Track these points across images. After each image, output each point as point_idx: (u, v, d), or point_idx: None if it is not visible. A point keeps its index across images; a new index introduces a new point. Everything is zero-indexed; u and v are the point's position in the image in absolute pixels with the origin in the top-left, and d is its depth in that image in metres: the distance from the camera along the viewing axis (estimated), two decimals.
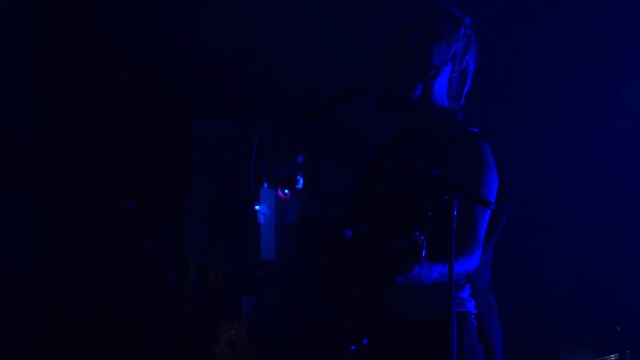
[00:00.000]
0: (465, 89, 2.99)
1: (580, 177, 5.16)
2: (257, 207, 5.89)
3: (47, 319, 4.64)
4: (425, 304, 2.81)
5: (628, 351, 4.66)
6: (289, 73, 5.91)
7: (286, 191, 5.82)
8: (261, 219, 5.91)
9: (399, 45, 2.96)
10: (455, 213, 2.50)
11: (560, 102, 5.44)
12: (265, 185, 5.98)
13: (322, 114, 2.83)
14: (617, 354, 4.69)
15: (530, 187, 5.37)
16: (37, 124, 5.23)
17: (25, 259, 5.11)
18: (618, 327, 4.72)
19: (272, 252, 5.97)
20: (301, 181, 5.70)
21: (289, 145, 5.76)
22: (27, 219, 5.17)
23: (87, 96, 5.55)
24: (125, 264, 4.56)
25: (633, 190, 5.01)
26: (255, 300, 5.76)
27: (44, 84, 5.27)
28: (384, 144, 2.71)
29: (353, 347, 2.88)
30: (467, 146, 2.82)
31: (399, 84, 2.97)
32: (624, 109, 5.29)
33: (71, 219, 5.30)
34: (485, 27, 3.06)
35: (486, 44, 3.05)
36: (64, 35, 5.54)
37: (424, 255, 2.42)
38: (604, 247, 5.23)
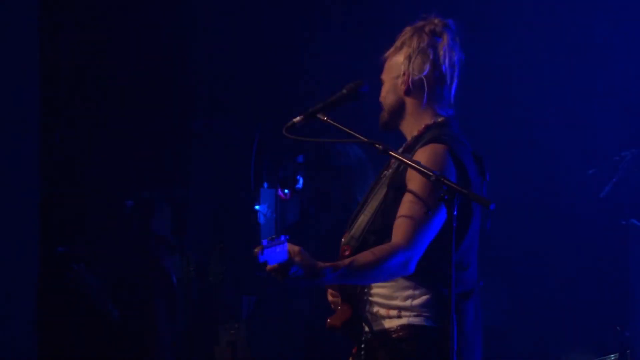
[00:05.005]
0: (452, 90, 2.93)
1: (581, 176, 5.15)
2: (257, 207, 5.89)
3: (47, 319, 4.64)
4: (390, 316, 2.75)
5: (628, 351, 4.66)
6: (289, 73, 5.91)
7: (286, 191, 5.81)
8: (261, 219, 5.90)
9: (383, 65, 2.99)
10: (455, 213, 2.51)
11: (559, 100, 5.45)
12: (265, 185, 5.97)
13: (321, 114, 2.84)
14: (617, 354, 4.69)
15: (530, 187, 5.37)
16: (37, 124, 5.23)
17: (25, 259, 5.11)
18: (618, 327, 4.71)
19: None
20: (301, 181, 5.69)
21: (289, 145, 5.75)
22: (27, 219, 5.17)
23: (87, 96, 5.55)
24: (124, 263, 4.56)
25: (633, 190, 5.01)
26: (255, 300, 5.75)
27: (44, 84, 5.27)
28: (383, 144, 2.71)
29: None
30: (422, 150, 2.79)
31: (385, 102, 2.98)
32: (623, 107, 5.31)
33: (71, 219, 5.30)
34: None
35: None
36: (64, 35, 5.54)
37: (260, 260, 2.46)
38: (603, 246, 5.23)
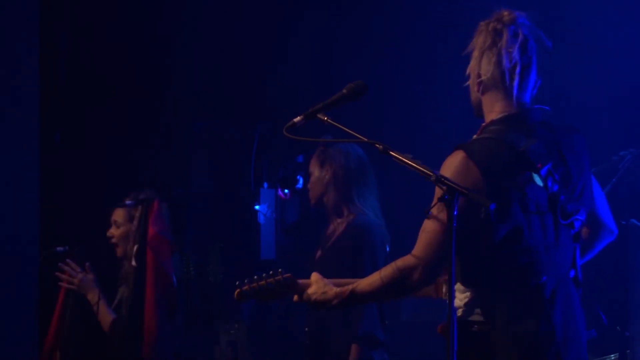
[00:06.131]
0: (515, 85, 2.90)
1: None
2: (257, 207, 5.89)
3: (47, 319, 4.64)
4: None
5: (628, 351, 4.66)
6: (289, 73, 5.91)
7: (286, 191, 5.81)
8: (261, 218, 5.90)
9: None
10: (455, 213, 2.51)
11: (558, 100, 5.44)
12: (265, 185, 5.97)
13: (322, 114, 2.84)
14: (617, 354, 4.69)
15: None
16: (37, 124, 5.24)
17: (25, 258, 5.11)
18: (618, 327, 4.71)
19: (272, 252, 5.96)
20: (301, 181, 5.70)
21: (289, 145, 5.75)
22: (27, 219, 5.17)
23: (87, 96, 5.56)
24: (124, 263, 4.56)
25: (633, 190, 5.01)
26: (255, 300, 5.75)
27: (44, 84, 5.27)
28: (383, 144, 2.71)
29: None
30: (446, 160, 2.81)
31: (471, 97, 3.01)
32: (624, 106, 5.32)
33: (71, 218, 5.30)
34: None
35: None
36: (64, 35, 5.55)
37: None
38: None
